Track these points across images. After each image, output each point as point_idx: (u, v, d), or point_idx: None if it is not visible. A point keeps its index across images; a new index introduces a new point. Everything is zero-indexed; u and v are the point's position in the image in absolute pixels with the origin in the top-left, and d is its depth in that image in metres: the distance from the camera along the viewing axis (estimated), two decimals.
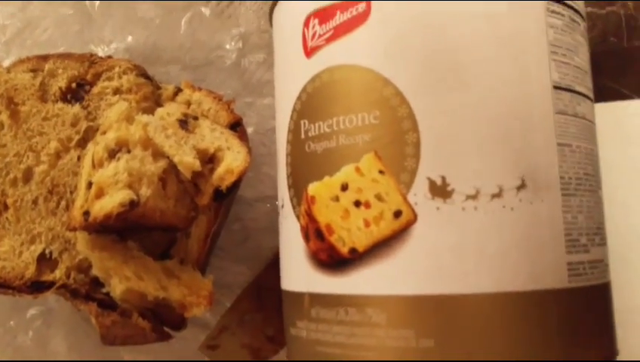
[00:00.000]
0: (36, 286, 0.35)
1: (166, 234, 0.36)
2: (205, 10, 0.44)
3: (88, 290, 0.35)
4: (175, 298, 0.33)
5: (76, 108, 0.38)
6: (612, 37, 0.47)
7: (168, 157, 0.34)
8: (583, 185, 0.27)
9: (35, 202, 0.37)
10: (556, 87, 0.27)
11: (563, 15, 0.28)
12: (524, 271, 0.25)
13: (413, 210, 0.25)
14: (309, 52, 0.29)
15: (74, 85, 0.39)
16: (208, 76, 0.44)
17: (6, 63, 0.44)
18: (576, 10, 0.29)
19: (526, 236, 0.25)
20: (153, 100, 0.39)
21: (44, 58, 0.39)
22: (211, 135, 0.35)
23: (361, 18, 0.27)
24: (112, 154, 0.33)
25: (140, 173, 0.33)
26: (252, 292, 0.41)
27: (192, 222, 0.36)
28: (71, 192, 0.37)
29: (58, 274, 0.35)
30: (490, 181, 0.25)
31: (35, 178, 0.37)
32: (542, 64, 0.27)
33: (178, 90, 0.39)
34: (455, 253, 0.25)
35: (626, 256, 0.42)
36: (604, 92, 0.46)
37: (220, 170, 0.34)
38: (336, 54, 0.28)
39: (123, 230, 0.35)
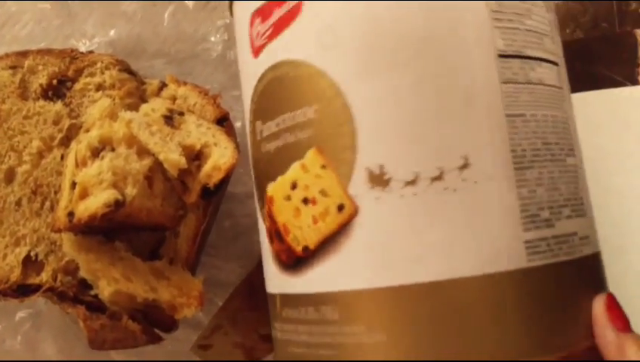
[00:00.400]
0: (22, 290, 0.34)
1: (154, 234, 0.35)
2: (189, 2, 0.43)
3: (76, 293, 0.34)
4: (165, 299, 0.32)
5: (58, 105, 0.37)
6: (603, 22, 0.46)
7: (154, 155, 0.33)
8: (541, 156, 0.25)
9: (18, 203, 0.36)
10: (502, 56, 0.25)
11: None
12: (473, 254, 0.24)
13: (354, 203, 0.25)
14: (255, 51, 0.29)
15: (55, 82, 0.38)
16: (194, 70, 0.43)
17: None
18: None
19: (472, 217, 0.24)
20: (137, 96, 0.38)
21: (24, 54, 0.38)
22: (197, 131, 0.34)
23: (295, 12, 0.27)
24: (96, 153, 0.33)
25: (124, 171, 0.32)
26: (244, 290, 0.41)
27: (180, 221, 0.35)
28: (55, 192, 0.36)
29: (44, 276, 0.34)
30: (429, 164, 0.24)
31: (17, 178, 0.36)
32: (482, 33, 0.25)
33: (163, 85, 0.38)
34: (396, 242, 0.24)
35: (622, 243, 0.42)
36: (597, 79, 0.45)
37: (207, 167, 0.33)
38: (276, 51, 0.27)
39: (109, 230, 0.34)
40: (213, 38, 0.43)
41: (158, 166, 0.33)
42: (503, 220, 0.24)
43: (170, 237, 0.35)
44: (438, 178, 0.24)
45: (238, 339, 0.40)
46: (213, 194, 0.34)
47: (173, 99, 0.37)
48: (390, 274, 0.24)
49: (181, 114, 0.35)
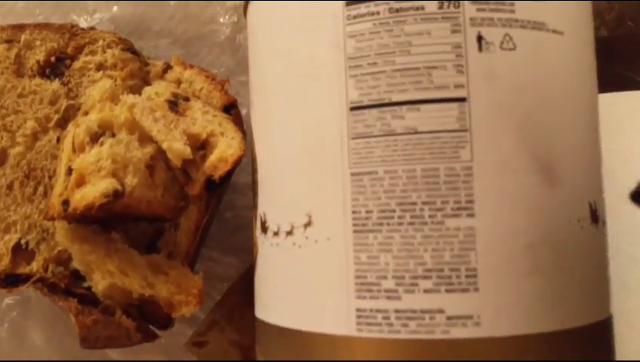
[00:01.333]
0: (11, 280, 0.32)
1: (152, 225, 0.34)
2: None
3: (68, 284, 0.32)
4: (162, 296, 0.31)
5: (55, 84, 0.35)
6: (629, 21, 0.44)
7: (156, 142, 0.31)
8: (395, 219, 0.23)
9: (9, 187, 0.34)
10: (355, 108, 0.23)
11: (375, 13, 0.23)
12: (308, 311, 0.24)
13: (256, 244, 0.28)
14: None
15: (53, 59, 0.35)
16: (200, 51, 0.41)
17: None
18: None
19: (311, 276, 0.24)
20: (140, 78, 0.35)
21: (20, 28, 0.35)
22: (203, 118, 0.32)
23: None
24: (95, 138, 0.31)
25: (125, 159, 0.30)
26: (243, 285, 0.39)
27: (181, 213, 0.33)
28: (49, 177, 0.34)
29: (35, 266, 0.32)
30: (285, 219, 0.25)
31: (9, 161, 0.34)
32: (332, 86, 0.24)
33: (168, 67, 0.36)
34: (267, 285, 0.27)
35: (637, 252, 0.41)
36: (618, 80, 0.43)
37: (213, 157, 0.31)
38: None
39: (105, 220, 0.32)
40: (222, 20, 0.41)
41: (160, 154, 0.31)
42: (335, 284, 0.23)
43: (169, 229, 0.34)
44: (290, 233, 0.25)
45: (234, 337, 0.38)
46: (217, 186, 0.32)
47: (178, 82, 0.35)
48: (263, 310, 0.27)
49: (186, 99, 0.33)
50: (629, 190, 0.41)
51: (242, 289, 0.39)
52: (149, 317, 0.32)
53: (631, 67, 0.44)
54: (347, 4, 0.24)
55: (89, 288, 0.32)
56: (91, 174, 0.29)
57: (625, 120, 0.42)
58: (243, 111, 0.40)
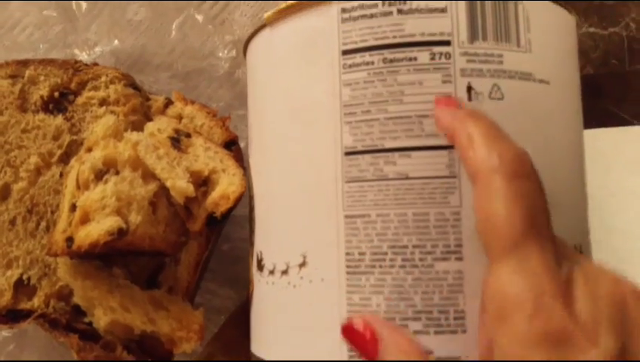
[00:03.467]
0: (12, 316, 0.32)
1: (153, 259, 0.34)
2: (198, 15, 0.42)
3: (69, 320, 0.32)
4: (164, 332, 0.31)
5: (59, 119, 0.35)
6: (614, 59, 0.46)
7: (159, 179, 0.31)
8: (387, 261, 0.23)
9: (12, 222, 0.34)
10: (349, 153, 0.24)
11: (369, 63, 0.24)
12: (299, 349, 0.25)
13: (252, 281, 0.29)
14: None
15: (57, 94, 0.36)
16: (199, 85, 0.42)
17: None
18: (410, 45, 0.24)
19: (304, 316, 0.25)
20: (142, 113, 0.36)
21: (25, 63, 0.36)
22: (205, 155, 0.33)
23: None
24: (99, 176, 0.31)
25: (129, 197, 0.30)
26: (240, 317, 0.39)
27: (181, 248, 0.33)
28: (52, 212, 0.34)
29: (36, 302, 0.33)
30: (280, 258, 0.26)
31: (12, 196, 0.34)
32: (328, 132, 0.24)
33: (169, 102, 0.37)
34: (259, 322, 0.28)
35: None
36: (605, 116, 0.45)
37: (215, 194, 0.31)
38: None
39: (107, 255, 0.32)
40: (220, 54, 0.41)
41: (162, 190, 0.31)
42: (328, 324, 0.24)
43: (170, 264, 0.34)
44: (285, 272, 0.26)
45: None
46: (219, 222, 0.32)
47: (179, 118, 0.36)
48: (259, 347, 0.28)
49: (188, 135, 0.34)
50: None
51: (239, 322, 0.40)
52: (150, 352, 0.32)
53: (616, 103, 0.45)
54: (343, 54, 0.24)
55: (90, 323, 0.32)
56: (96, 212, 0.30)
57: (611, 155, 0.44)
58: (240, 145, 0.41)
